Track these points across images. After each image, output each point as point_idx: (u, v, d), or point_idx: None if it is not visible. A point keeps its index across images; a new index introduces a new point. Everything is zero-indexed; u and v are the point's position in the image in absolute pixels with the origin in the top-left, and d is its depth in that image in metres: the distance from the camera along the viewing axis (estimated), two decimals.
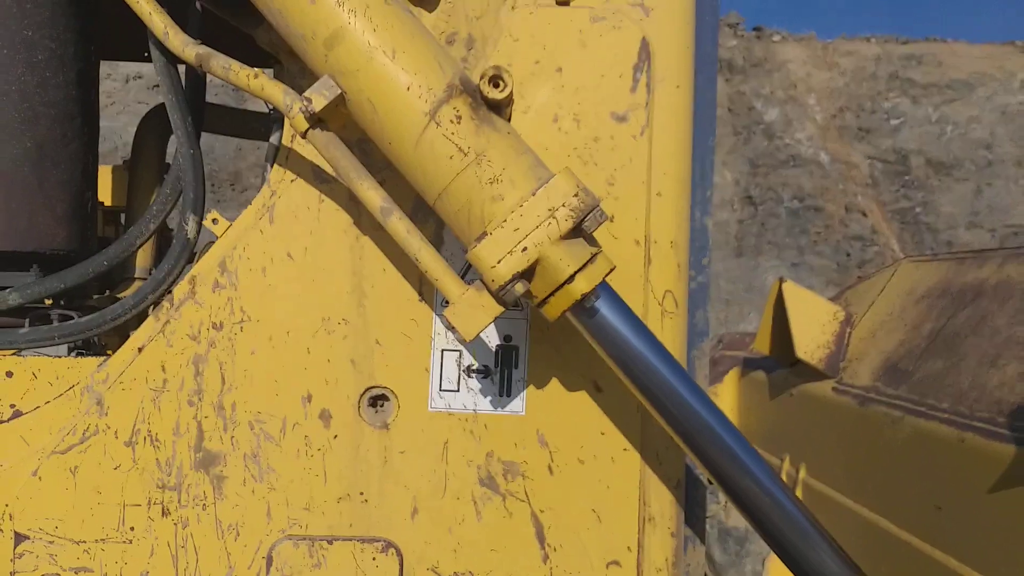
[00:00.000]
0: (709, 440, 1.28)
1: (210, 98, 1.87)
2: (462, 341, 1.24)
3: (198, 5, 1.61)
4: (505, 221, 1.18)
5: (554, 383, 1.52)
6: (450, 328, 1.24)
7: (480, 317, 1.22)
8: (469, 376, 1.51)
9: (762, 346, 3.49)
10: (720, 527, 3.44)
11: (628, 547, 1.53)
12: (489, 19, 1.50)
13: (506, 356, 1.51)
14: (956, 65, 22.75)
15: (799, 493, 3.15)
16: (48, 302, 1.65)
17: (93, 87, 1.83)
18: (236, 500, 1.48)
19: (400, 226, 1.26)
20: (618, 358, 1.28)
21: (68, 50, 1.71)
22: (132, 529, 1.47)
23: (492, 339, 1.51)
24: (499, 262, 1.17)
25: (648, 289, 1.52)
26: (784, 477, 3.33)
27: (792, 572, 1.38)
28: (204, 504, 1.48)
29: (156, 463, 1.48)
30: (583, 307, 1.24)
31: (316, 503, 1.49)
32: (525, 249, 1.17)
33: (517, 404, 1.51)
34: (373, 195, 1.26)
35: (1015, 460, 1.89)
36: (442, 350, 1.50)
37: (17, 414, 1.50)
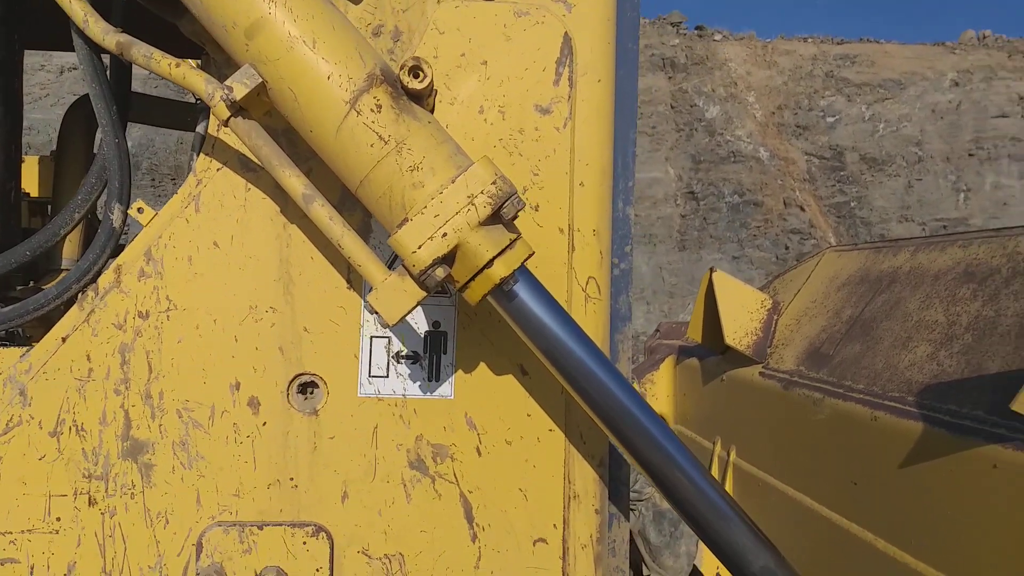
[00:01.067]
0: (624, 419, 1.33)
1: (150, 90, 1.86)
2: (385, 326, 1.27)
3: None
4: (425, 207, 1.21)
5: (482, 367, 1.56)
6: (373, 312, 1.27)
7: (403, 302, 1.25)
8: (398, 362, 1.54)
9: (695, 334, 3.59)
10: (655, 509, 3.54)
11: (554, 524, 1.58)
12: (415, 12, 1.53)
13: (435, 342, 1.55)
14: (889, 65, 23.53)
15: (729, 475, 3.27)
16: None
17: (15, 76, 1.80)
18: (165, 488, 1.49)
19: (322, 213, 1.28)
20: (537, 340, 1.33)
21: None
22: (58, 519, 1.47)
23: (421, 325, 1.55)
24: (420, 247, 1.20)
25: (572, 275, 1.57)
26: (716, 459, 3.44)
27: (708, 547, 1.45)
28: (132, 493, 1.48)
29: (82, 453, 1.47)
30: (502, 291, 1.28)
31: (246, 489, 1.51)
32: (445, 235, 1.21)
33: (446, 388, 1.55)
34: (295, 182, 1.28)
35: (922, 436, 2.00)
36: (371, 336, 1.53)
37: None
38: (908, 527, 2.05)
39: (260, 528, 1.49)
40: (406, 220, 1.21)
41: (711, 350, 3.59)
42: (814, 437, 2.58)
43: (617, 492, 1.67)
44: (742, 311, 3.25)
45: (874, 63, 24.24)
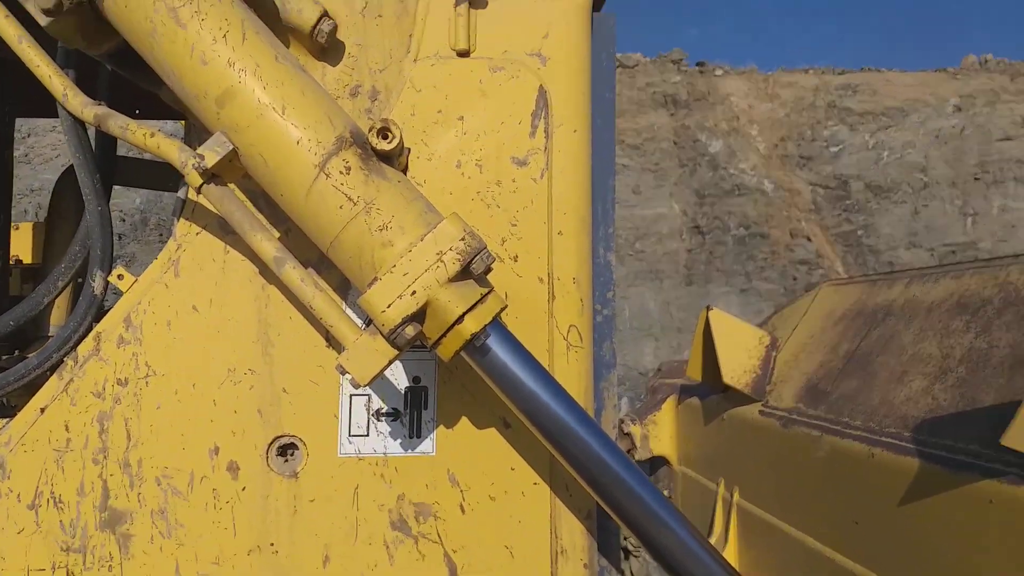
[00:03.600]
0: (604, 476, 1.31)
1: None
2: (357, 386, 1.26)
3: (108, 67, 1.63)
4: (395, 266, 1.21)
5: (464, 422, 1.55)
6: (344, 374, 1.26)
7: (374, 361, 1.24)
8: (378, 420, 1.52)
9: (694, 373, 3.55)
10: None
11: None
12: (392, 71, 1.55)
13: (415, 397, 1.54)
14: (890, 93, 23.65)
15: (733, 517, 3.20)
16: None
17: (5, 145, 1.83)
18: (143, 559, 1.47)
19: (294, 275, 1.28)
20: (511, 395, 1.31)
21: None
22: None
23: (401, 381, 1.54)
24: (389, 306, 1.20)
25: (553, 324, 1.56)
26: (719, 501, 3.38)
27: None
28: (110, 565, 1.46)
29: (60, 525, 1.46)
30: (474, 346, 1.27)
31: (226, 556, 1.48)
32: (414, 292, 1.20)
33: (427, 445, 1.53)
34: (267, 246, 1.29)
35: (919, 472, 1.96)
36: (351, 395, 1.52)
37: None
38: (910, 566, 2.00)
39: None
40: (376, 279, 1.21)
41: (711, 389, 3.55)
42: (814, 476, 2.53)
43: (607, 544, 1.64)
44: (740, 349, 3.22)
45: (876, 91, 24.38)
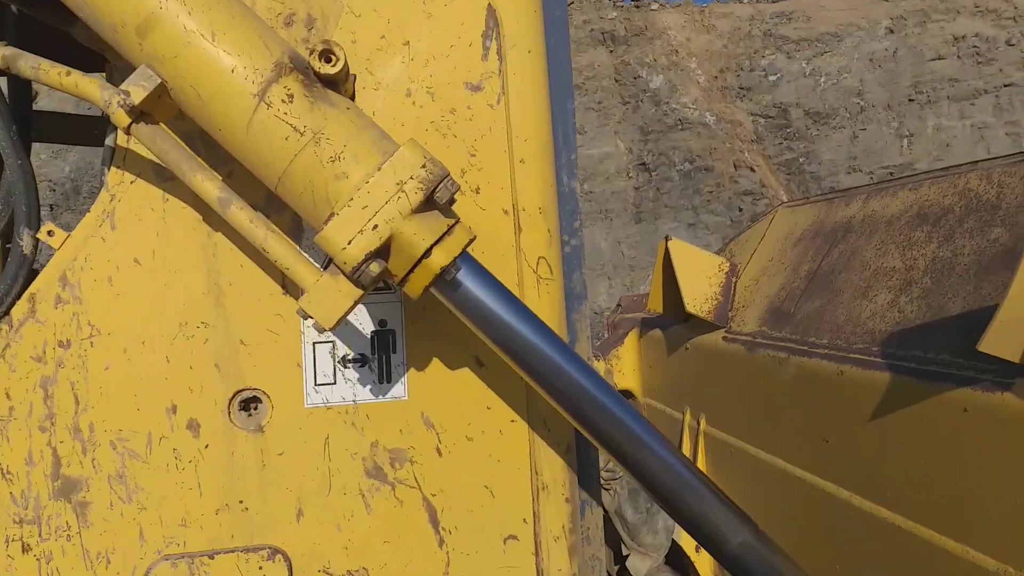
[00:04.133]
0: (585, 402, 1.27)
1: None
2: (321, 330, 1.18)
3: (14, 8, 1.48)
4: (352, 199, 1.12)
5: (435, 363, 1.49)
6: (306, 318, 1.18)
7: (338, 303, 1.17)
8: (345, 367, 1.45)
9: (655, 305, 3.55)
10: (630, 487, 3.51)
11: (524, 519, 1.52)
12: None
13: (382, 341, 1.47)
14: (824, 18, 23.79)
15: (701, 444, 3.24)
16: None
17: None
18: (103, 526, 1.39)
19: (242, 216, 1.19)
20: (486, 330, 1.26)
21: None
22: None
23: (366, 325, 1.46)
24: (349, 243, 1.12)
25: (521, 257, 1.50)
26: (686, 429, 3.41)
27: (684, 528, 1.40)
28: (68, 534, 1.38)
29: (10, 497, 1.37)
30: (444, 281, 1.20)
31: (193, 517, 1.41)
32: (376, 227, 1.12)
33: (399, 389, 1.47)
34: (209, 186, 1.19)
35: (890, 386, 1.97)
36: (313, 343, 1.45)
37: None
38: (882, 481, 2.03)
39: (211, 557, 1.40)
40: (332, 215, 1.13)
41: (673, 320, 3.55)
42: (782, 398, 2.55)
43: (587, 477, 1.61)
44: (700, 277, 3.22)
45: (810, 18, 24.50)
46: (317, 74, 1.16)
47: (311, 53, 1.15)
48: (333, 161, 1.14)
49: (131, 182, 1.39)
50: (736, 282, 3.23)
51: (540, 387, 1.30)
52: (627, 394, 4.36)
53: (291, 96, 1.14)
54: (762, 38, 24.30)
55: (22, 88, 1.56)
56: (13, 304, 1.41)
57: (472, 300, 1.23)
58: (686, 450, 3.50)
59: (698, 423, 3.34)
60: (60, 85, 1.20)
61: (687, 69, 24.52)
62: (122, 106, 1.15)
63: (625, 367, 4.27)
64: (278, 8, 1.41)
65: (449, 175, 1.17)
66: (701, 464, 3.35)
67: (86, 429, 1.38)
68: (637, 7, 26.44)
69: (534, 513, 1.53)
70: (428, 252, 1.16)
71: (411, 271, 1.18)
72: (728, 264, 3.28)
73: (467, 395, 1.49)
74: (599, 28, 25.08)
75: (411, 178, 1.13)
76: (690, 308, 3.14)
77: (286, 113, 1.14)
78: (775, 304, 2.82)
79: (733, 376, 2.95)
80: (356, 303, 1.19)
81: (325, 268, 1.25)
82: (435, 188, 1.14)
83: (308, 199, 1.16)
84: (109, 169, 1.41)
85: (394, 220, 1.13)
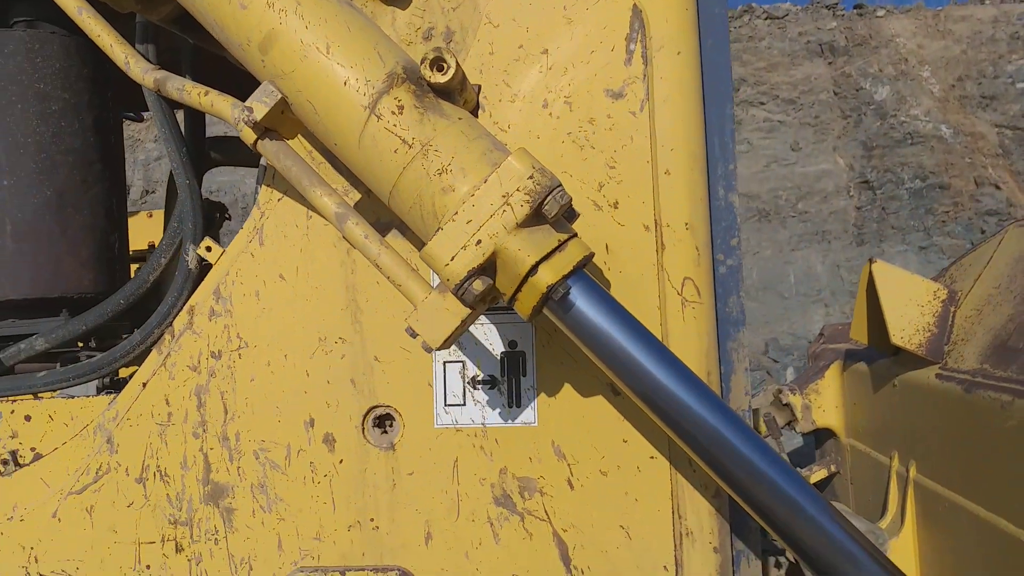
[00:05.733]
0: (711, 440, 1.11)
1: None
2: (429, 350, 1.14)
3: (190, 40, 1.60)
4: (457, 213, 1.07)
5: (567, 389, 1.39)
6: (414, 336, 1.14)
7: (446, 322, 1.11)
8: (475, 388, 1.40)
9: (859, 335, 3.18)
10: None
11: (664, 566, 1.37)
12: (466, 8, 1.41)
13: (512, 363, 1.40)
14: None
15: (910, 494, 2.84)
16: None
17: (112, 132, 1.86)
18: (247, 532, 1.44)
19: (356, 232, 1.18)
20: (602, 355, 1.14)
21: (82, 99, 1.74)
22: (148, 567, 1.45)
23: (496, 346, 1.41)
24: (452, 259, 1.07)
25: (663, 277, 1.37)
26: (894, 477, 3.02)
27: None
28: (216, 538, 1.44)
29: (167, 498, 1.45)
30: (553, 300, 1.11)
31: (326, 532, 1.42)
32: (479, 242, 1.06)
33: (528, 414, 1.40)
34: (326, 202, 1.19)
35: None
36: (444, 362, 1.41)
37: (37, 457, 1.51)
38: None
39: (342, 573, 1.40)
40: (439, 229, 1.08)
41: (880, 352, 3.17)
42: (1004, 447, 2.16)
43: (743, 525, 1.43)
44: (910, 305, 2.83)
45: None
46: (429, 84, 1.13)
47: (422, 62, 1.12)
48: (440, 174, 1.10)
49: (278, 199, 1.44)
50: (955, 311, 2.81)
51: (661, 422, 1.16)
52: (828, 433, 3.96)
53: (401, 107, 1.12)
54: (1008, 41, 21.71)
55: (197, 113, 1.68)
56: (179, 315, 1.51)
57: (585, 324, 1.12)
58: (893, 500, 3.10)
59: (907, 471, 2.94)
60: (199, 104, 1.27)
61: (918, 79, 22.46)
62: (246, 122, 1.18)
63: (826, 403, 3.88)
64: (418, 22, 1.41)
65: (560, 186, 1.08)
66: (910, 517, 2.95)
67: (233, 438, 1.44)
68: (860, 15, 24.70)
69: (676, 560, 1.38)
70: (534, 269, 1.07)
71: (518, 289, 1.10)
72: (946, 291, 2.87)
73: (601, 425, 1.38)
74: (816, 39, 23.69)
75: (517, 190, 1.05)
76: (896, 340, 2.77)
77: (395, 125, 1.12)
78: (1000, 338, 2.41)
79: (948, 419, 2.56)
80: (466, 323, 1.14)
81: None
82: (543, 200, 1.05)
83: (417, 213, 1.12)
84: (260, 187, 1.47)
85: (498, 235, 1.06)
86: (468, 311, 1.11)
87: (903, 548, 3.10)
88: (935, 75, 21.53)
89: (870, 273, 3.01)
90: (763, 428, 3.86)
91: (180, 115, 1.63)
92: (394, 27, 1.41)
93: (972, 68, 21.10)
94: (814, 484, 3.85)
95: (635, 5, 1.37)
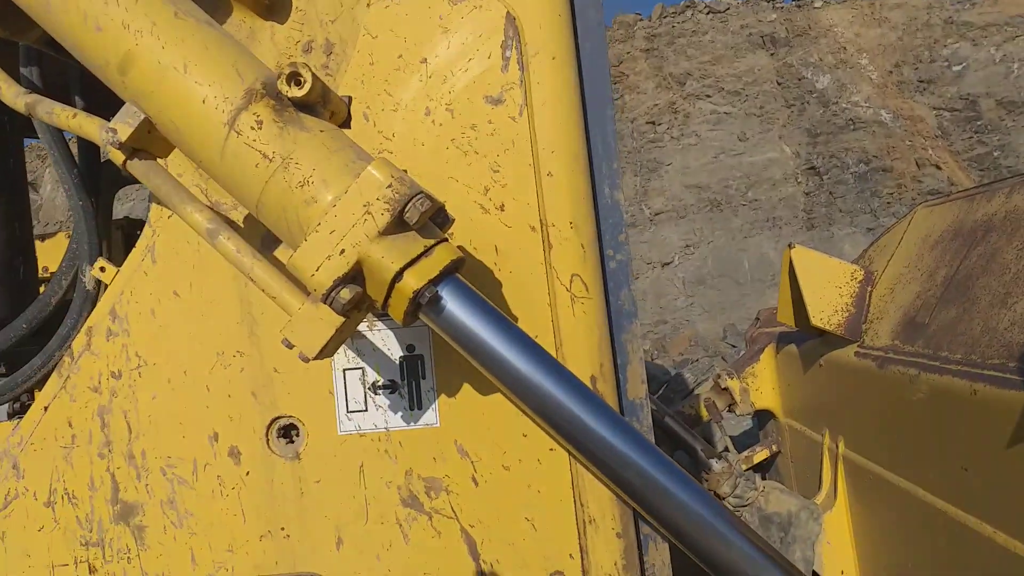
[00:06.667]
0: (579, 432, 1.15)
1: None
2: (306, 359, 1.16)
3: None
4: (320, 224, 1.10)
5: (466, 389, 1.43)
6: (290, 347, 1.16)
7: (320, 331, 1.14)
8: (376, 393, 1.43)
9: (785, 318, 3.28)
10: (760, 514, 3.24)
11: (570, 554, 1.42)
12: (345, 21, 1.44)
13: (411, 367, 1.43)
14: (1013, 0, 21.46)
15: (840, 469, 2.94)
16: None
17: (11, 156, 1.85)
18: (159, 549, 1.45)
19: (228, 245, 1.20)
20: (476, 357, 1.18)
21: None
22: None
23: (394, 351, 1.44)
24: (318, 269, 1.09)
25: (552, 275, 1.41)
26: (826, 453, 3.11)
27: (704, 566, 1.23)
28: (128, 557, 1.45)
29: (76, 520, 1.46)
30: (421, 305, 1.14)
31: (238, 543, 1.44)
32: (343, 251, 1.09)
33: (430, 416, 1.43)
34: (198, 218, 1.21)
35: None
36: (343, 370, 1.44)
37: None
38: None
39: None
40: (304, 240, 1.10)
41: (807, 334, 3.27)
42: (916, 419, 2.25)
43: None
44: (829, 287, 2.94)
45: (997, 1, 22.24)
46: (289, 98, 1.15)
47: (279, 77, 1.15)
48: (302, 186, 1.12)
49: (168, 216, 1.46)
50: (871, 291, 2.91)
51: (534, 417, 1.20)
52: (768, 415, 4.06)
53: (260, 122, 1.14)
54: (943, 26, 22.33)
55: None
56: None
57: (456, 326, 1.15)
58: (826, 476, 3.19)
59: (837, 446, 3.03)
60: (68, 126, 1.28)
61: (857, 66, 22.98)
62: (112, 144, 1.20)
63: (763, 385, 3.97)
64: (297, 36, 1.43)
65: (421, 192, 1.11)
66: (841, 492, 3.04)
67: (139, 456, 1.45)
68: (799, 7, 25.20)
69: (581, 548, 1.42)
70: (399, 276, 1.10)
71: (388, 296, 1.13)
72: (862, 272, 2.97)
73: (500, 422, 1.42)
74: (758, 32, 24.10)
75: (377, 199, 1.08)
76: (816, 321, 2.87)
77: (255, 140, 1.14)
78: (909, 315, 2.51)
79: (867, 395, 2.65)
80: (342, 331, 1.16)
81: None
82: (403, 207, 1.08)
83: (283, 225, 1.15)
84: (151, 204, 1.48)
85: (361, 243, 1.09)
86: (341, 319, 1.14)
87: (837, 521, 3.20)
88: (873, 62, 22.03)
89: (790, 258, 3.10)
90: (704, 413, 3.93)
91: None
92: (274, 41, 1.43)
93: (909, 54, 21.65)
94: (757, 464, 3.94)
95: (508, 12, 1.41)
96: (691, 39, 23.96)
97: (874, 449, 2.67)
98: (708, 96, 23.43)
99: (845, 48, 22.46)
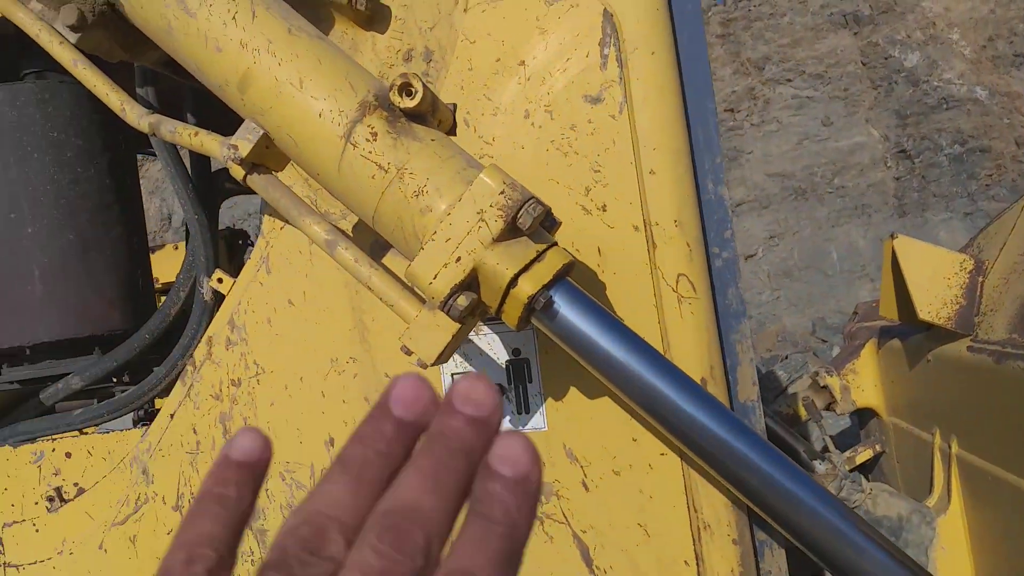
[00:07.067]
0: (703, 438, 1.13)
1: None
2: (424, 366, 1.18)
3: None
4: (436, 232, 1.11)
5: (573, 392, 1.42)
6: (408, 354, 1.18)
7: (437, 338, 1.15)
8: None
9: (888, 312, 3.15)
10: (868, 517, 3.11)
11: (685, 561, 1.39)
12: (443, 27, 1.45)
13: (518, 371, 1.44)
14: None
15: (954, 471, 2.80)
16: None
17: (128, 173, 1.94)
18: None
19: (347, 256, 1.23)
20: (590, 360, 1.17)
21: (95, 143, 1.82)
22: None
23: (501, 355, 1.44)
24: (436, 277, 1.10)
25: (658, 276, 1.39)
26: (937, 454, 2.97)
27: None
28: (252, 560, 1.50)
29: None
30: (536, 311, 1.14)
31: None
32: (459, 259, 1.10)
33: (538, 420, 1.43)
34: (316, 230, 1.24)
35: None
36: (451, 374, 1.45)
37: (80, 491, 1.59)
38: None
39: None
40: (421, 249, 1.12)
41: (913, 328, 3.13)
42: None
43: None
44: (936, 279, 2.80)
45: None
46: (401, 109, 1.17)
47: (391, 88, 1.16)
48: (417, 195, 1.14)
49: (281, 227, 1.50)
50: (983, 281, 2.76)
51: (655, 423, 1.18)
52: (870, 413, 3.90)
53: (375, 134, 1.16)
54: None
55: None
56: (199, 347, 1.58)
57: (571, 331, 1.15)
58: (938, 478, 3.05)
59: (949, 446, 2.89)
60: (190, 145, 1.33)
61: (948, 42, 21.95)
62: (232, 160, 1.24)
63: (864, 382, 3.82)
64: (397, 45, 1.46)
65: (532, 198, 1.11)
66: (955, 494, 2.90)
67: None
68: None
69: (696, 555, 1.40)
70: (515, 282, 1.11)
71: (503, 302, 1.13)
72: (972, 261, 2.82)
73: (610, 427, 1.40)
74: (839, 10, 23.29)
75: (491, 206, 1.09)
76: (923, 316, 2.74)
77: (371, 151, 1.16)
78: None
79: (983, 392, 2.51)
80: (458, 337, 1.17)
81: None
82: (516, 213, 1.09)
83: (400, 235, 1.16)
84: (263, 216, 1.53)
85: (476, 251, 1.09)
86: (458, 326, 1.15)
87: (952, 525, 3.05)
88: (965, 37, 20.98)
89: (892, 249, 2.97)
90: (802, 412, 3.81)
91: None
92: (375, 51, 1.46)
93: (1003, 26, 20.52)
94: (859, 465, 3.80)
95: (605, 9, 1.40)
96: (768, 22, 23.36)
97: (992, 449, 2.54)
98: (789, 80, 22.81)
99: (934, 23, 21.47)
